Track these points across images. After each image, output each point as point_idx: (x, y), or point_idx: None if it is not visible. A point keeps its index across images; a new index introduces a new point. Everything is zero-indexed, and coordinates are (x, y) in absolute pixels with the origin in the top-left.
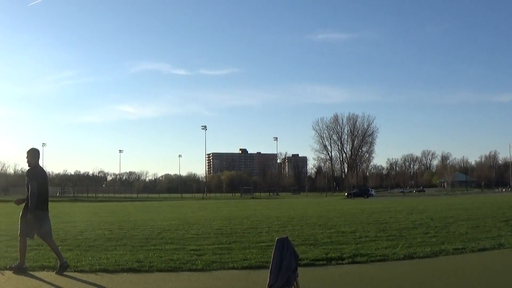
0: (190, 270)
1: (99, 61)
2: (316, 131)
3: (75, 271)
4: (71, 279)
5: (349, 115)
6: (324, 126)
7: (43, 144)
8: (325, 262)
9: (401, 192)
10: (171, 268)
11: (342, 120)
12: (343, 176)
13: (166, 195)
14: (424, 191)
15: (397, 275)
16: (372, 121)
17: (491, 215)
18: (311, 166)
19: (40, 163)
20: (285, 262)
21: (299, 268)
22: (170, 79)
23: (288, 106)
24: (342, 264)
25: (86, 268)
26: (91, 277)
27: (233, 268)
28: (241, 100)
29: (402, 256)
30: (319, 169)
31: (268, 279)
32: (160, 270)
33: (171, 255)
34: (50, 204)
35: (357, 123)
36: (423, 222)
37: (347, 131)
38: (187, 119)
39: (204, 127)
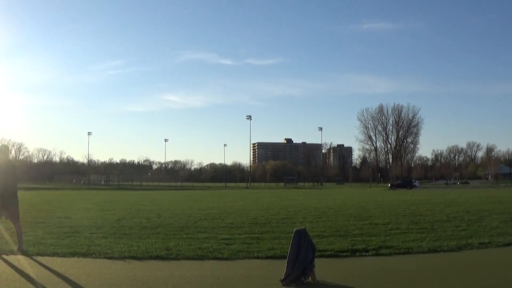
0: (215, 258)
1: (145, 51)
2: (361, 121)
3: (104, 257)
4: (97, 265)
5: (394, 105)
6: (369, 116)
7: (89, 133)
8: (349, 253)
9: (445, 184)
10: (198, 257)
11: (387, 110)
12: (388, 167)
13: (210, 184)
14: (468, 183)
15: (415, 268)
16: (417, 112)
17: None
18: (356, 156)
19: (86, 152)
20: (302, 253)
21: (320, 259)
22: (216, 69)
23: (334, 96)
24: (366, 256)
25: (115, 255)
26: (118, 264)
27: (258, 257)
28: (286, 89)
29: (426, 249)
30: (363, 160)
31: (285, 269)
32: (187, 258)
33: (201, 243)
34: (93, 192)
35: (402, 113)
36: (457, 215)
37: (392, 122)
38: (233, 108)
39: (249, 117)
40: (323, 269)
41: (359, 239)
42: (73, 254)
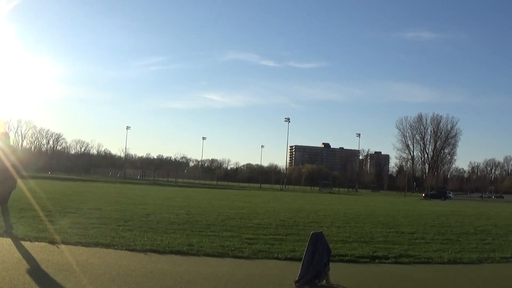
0: (235, 257)
1: (188, 49)
2: (400, 129)
3: (126, 249)
4: (118, 256)
5: (433, 115)
6: (407, 125)
7: (127, 127)
8: (368, 260)
9: (480, 197)
10: (218, 254)
11: (426, 120)
12: (424, 176)
13: (245, 184)
14: (503, 197)
15: (432, 277)
16: (456, 123)
17: None
18: (392, 164)
19: (123, 146)
20: (317, 256)
21: (338, 263)
22: (258, 70)
23: (373, 103)
24: (385, 263)
25: (137, 248)
26: (138, 256)
27: (277, 258)
28: (326, 94)
29: (446, 260)
30: (400, 168)
31: (300, 270)
32: (207, 255)
33: (224, 241)
34: (128, 186)
35: (441, 124)
36: (485, 229)
37: (430, 132)
38: (272, 110)
39: (288, 119)
40: (339, 273)
41: (382, 247)
42: (96, 245)
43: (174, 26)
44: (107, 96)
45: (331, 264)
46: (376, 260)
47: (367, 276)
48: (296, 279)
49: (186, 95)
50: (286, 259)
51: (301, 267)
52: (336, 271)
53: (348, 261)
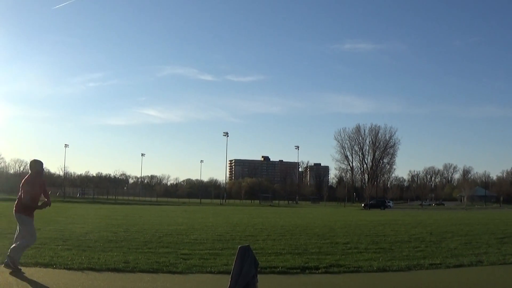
0: (169, 272)
1: (125, 64)
2: (338, 141)
3: (64, 268)
4: (56, 275)
5: (371, 126)
6: (346, 136)
7: (66, 145)
8: (299, 271)
9: (420, 205)
10: (153, 270)
11: (364, 131)
12: (364, 187)
13: (186, 199)
14: (444, 205)
15: (358, 285)
16: (394, 133)
17: (492, 231)
18: (332, 176)
19: (62, 164)
20: (245, 268)
21: (269, 275)
22: (196, 84)
23: (312, 115)
24: (315, 273)
25: (75, 266)
26: (76, 274)
27: (210, 272)
28: (265, 107)
29: (376, 268)
30: (340, 179)
31: (229, 283)
32: (142, 271)
33: (159, 258)
34: (69, 205)
35: (379, 134)
36: (420, 236)
37: (369, 142)
38: (211, 124)
39: (226, 134)
40: (269, 284)
41: (315, 257)
42: (35, 264)
43: (111, 42)
44: (45, 114)
45: (262, 275)
46: (307, 271)
47: (296, 286)
48: None
49: (125, 111)
50: (219, 272)
51: (230, 280)
52: (266, 283)
53: (279, 273)
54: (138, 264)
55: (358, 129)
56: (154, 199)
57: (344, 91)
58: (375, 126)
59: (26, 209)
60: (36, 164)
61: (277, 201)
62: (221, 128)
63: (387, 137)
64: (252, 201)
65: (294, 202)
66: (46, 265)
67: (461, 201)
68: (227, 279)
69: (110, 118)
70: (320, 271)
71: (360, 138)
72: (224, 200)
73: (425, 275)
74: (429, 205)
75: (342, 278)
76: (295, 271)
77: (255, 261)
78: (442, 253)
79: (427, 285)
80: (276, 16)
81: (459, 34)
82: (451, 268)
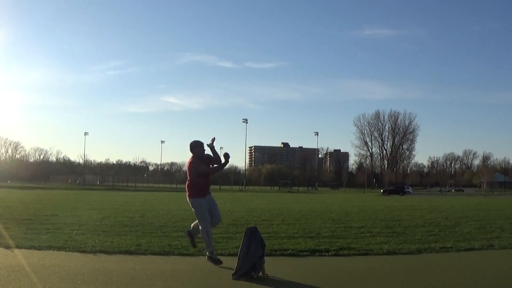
0: (180, 254)
1: (146, 52)
2: (357, 127)
3: (77, 251)
4: (68, 257)
5: (390, 112)
6: (365, 122)
7: (85, 133)
8: (309, 253)
9: (439, 191)
10: (164, 252)
11: (384, 116)
12: (383, 173)
13: None
14: (463, 191)
15: (366, 268)
16: (414, 119)
17: (507, 216)
18: (352, 162)
19: (82, 152)
20: (252, 249)
21: (279, 257)
22: (216, 72)
23: (332, 101)
24: (325, 256)
25: (88, 249)
26: (88, 257)
27: (221, 254)
28: (285, 94)
29: (385, 251)
30: (359, 165)
31: (236, 264)
32: (154, 254)
33: (172, 241)
34: (87, 192)
35: (399, 120)
36: (435, 221)
37: (388, 128)
38: (231, 111)
39: (245, 120)
40: (278, 266)
41: (327, 241)
42: (49, 248)
43: (131, 30)
44: (65, 103)
45: (271, 257)
46: (317, 253)
47: (304, 268)
48: (233, 272)
49: (144, 99)
50: (229, 255)
51: (237, 260)
52: (275, 264)
53: (288, 255)
54: (150, 247)
55: (377, 115)
56: (174, 186)
57: (363, 77)
58: (395, 112)
59: (192, 191)
60: (196, 145)
61: (296, 187)
62: (240, 115)
63: (407, 123)
64: (272, 187)
65: (314, 188)
66: (59, 249)
67: (480, 187)
68: (236, 261)
69: (129, 105)
70: (330, 253)
71: (380, 124)
72: (243, 187)
73: (434, 258)
74: (449, 191)
75: (351, 260)
76: (305, 253)
77: (262, 242)
78: (455, 237)
79: (435, 267)
80: (295, 2)
81: (479, 19)
82: (461, 251)
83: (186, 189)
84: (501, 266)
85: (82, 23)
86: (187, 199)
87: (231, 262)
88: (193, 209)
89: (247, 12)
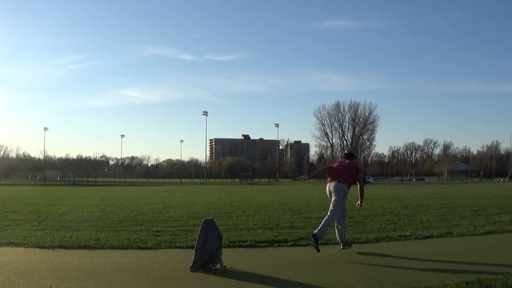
0: (139, 248)
1: (105, 45)
2: (318, 118)
3: (36, 247)
4: (27, 253)
5: (350, 102)
6: (325, 113)
7: (45, 128)
8: (268, 244)
9: (400, 180)
10: (122, 246)
11: (344, 107)
12: None
13: (166, 180)
14: (424, 180)
15: (323, 257)
16: (374, 109)
17: (467, 204)
18: (312, 153)
19: (42, 147)
20: (209, 241)
21: (237, 249)
22: (176, 64)
23: (293, 93)
24: (283, 246)
25: (47, 245)
26: (46, 252)
27: (179, 247)
28: (245, 86)
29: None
30: (320, 156)
31: (193, 256)
32: (112, 248)
33: (131, 235)
34: (47, 188)
35: (359, 110)
36: (394, 210)
37: (348, 119)
38: (192, 104)
39: (205, 113)
40: (236, 257)
41: (285, 231)
42: (8, 244)
43: (90, 23)
44: (24, 97)
45: (229, 249)
46: (275, 244)
47: (262, 259)
48: (191, 264)
49: (104, 92)
50: (187, 247)
51: (194, 252)
52: (233, 256)
53: (247, 246)
54: (109, 241)
55: (337, 105)
56: (134, 180)
57: (324, 69)
58: (355, 102)
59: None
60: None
61: (257, 179)
62: (201, 107)
63: (367, 113)
64: (233, 180)
65: (275, 180)
66: (18, 245)
67: (441, 176)
68: (193, 253)
69: (90, 99)
70: (288, 244)
71: (340, 115)
72: (204, 180)
73: (392, 246)
74: (410, 180)
75: (309, 250)
76: (263, 244)
77: (219, 234)
78: (414, 226)
79: (393, 255)
80: None
81: (439, 10)
82: (420, 239)
83: (347, 181)
84: (459, 253)
85: (41, 17)
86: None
87: (188, 254)
88: (340, 198)
89: (206, 4)
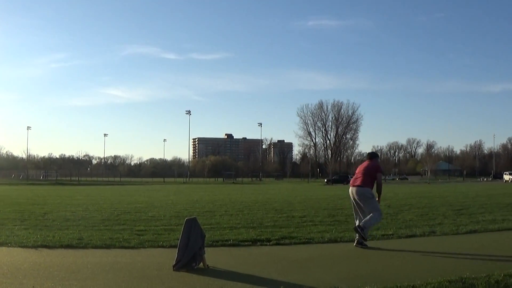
0: (122, 247)
1: (88, 44)
2: (301, 117)
3: (18, 246)
4: (9, 252)
5: (334, 102)
6: (308, 112)
7: (28, 127)
8: (250, 243)
9: (383, 179)
10: (105, 245)
11: (327, 107)
12: (327, 162)
13: (149, 179)
14: (407, 179)
15: (306, 256)
16: (357, 109)
17: (450, 203)
18: (296, 152)
19: (25, 146)
20: (192, 240)
21: (220, 248)
22: (159, 63)
23: (276, 92)
24: (266, 245)
25: (29, 244)
26: (29, 251)
27: (162, 246)
28: (230, 85)
29: (327, 239)
30: (303, 155)
31: (176, 255)
32: (95, 247)
33: (114, 234)
34: (30, 187)
35: (342, 110)
36: None
37: (332, 118)
38: (175, 103)
39: (188, 112)
40: (219, 256)
41: (269, 230)
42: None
43: (74, 22)
44: (7, 97)
45: (212, 248)
46: (258, 243)
47: (245, 258)
48: (174, 263)
49: (88, 91)
50: (170, 246)
51: (177, 252)
52: (216, 255)
53: (230, 245)
54: (91, 240)
55: (320, 105)
56: (117, 179)
57: (308, 68)
58: (338, 102)
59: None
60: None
61: (240, 179)
62: (184, 106)
63: (350, 113)
64: (216, 179)
65: (258, 179)
66: (0, 244)
67: (424, 175)
68: (175, 252)
69: (73, 99)
70: (271, 243)
71: (323, 114)
72: (187, 179)
73: (375, 245)
74: (393, 179)
75: (292, 249)
76: (246, 243)
77: (202, 233)
78: (397, 225)
79: (376, 253)
80: None
81: (424, 10)
82: (403, 238)
83: (368, 182)
84: (441, 252)
85: (24, 16)
86: (368, 190)
87: (171, 253)
88: (369, 199)
89: (190, 3)
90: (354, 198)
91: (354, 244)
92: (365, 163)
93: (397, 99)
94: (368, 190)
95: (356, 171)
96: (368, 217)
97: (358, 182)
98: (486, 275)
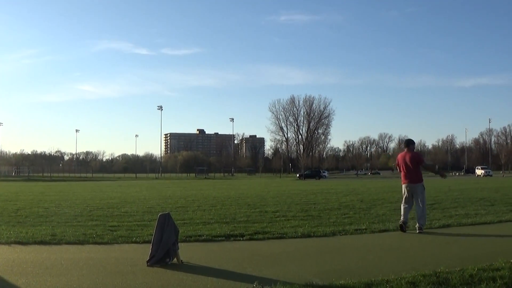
0: (95, 243)
1: (60, 40)
2: (273, 112)
3: None
4: None
5: (305, 97)
6: (280, 107)
7: None
8: (224, 238)
9: (355, 174)
10: (79, 241)
11: (299, 102)
12: (299, 157)
13: (121, 175)
14: (379, 174)
15: (279, 251)
16: (329, 104)
17: None
18: (268, 147)
19: None
20: (165, 236)
21: (194, 243)
22: (131, 59)
23: (249, 87)
24: (240, 240)
25: (2, 241)
26: (2, 248)
27: (136, 242)
28: (201, 80)
29: (300, 234)
30: (275, 150)
31: (150, 250)
32: (69, 243)
33: (87, 230)
34: (2, 184)
35: (314, 105)
36: (350, 204)
37: (303, 113)
38: (147, 98)
39: (160, 107)
40: (192, 252)
41: (242, 226)
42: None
43: (45, 18)
44: None
45: (185, 243)
46: (232, 238)
47: (218, 253)
48: (148, 259)
49: (59, 87)
50: (144, 242)
51: (151, 247)
52: (190, 250)
53: (203, 240)
54: (65, 236)
55: (292, 100)
56: (89, 175)
57: (279, 63)
58: (310, 97)
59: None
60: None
61: (213, 174)
62: (156, 102)
63: (322, 108)
64: (188, 174)
65: (230, 174)
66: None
67: (396, 170)
68: (149, 247)
69: (44, 95)
70: (245, 238)
71: (295, 109)
72: (159, 174)
73: (348, 240)
74: (365, 174)
75: (265, 243)
76: (220, 238)
77: (175, 228)
78: (369, 219)
79: (349, 248)
80: None
81: (395, 4)
82: (376, 233)
83: (418, 176)
84: (415, 246)
85: None
86: (420, 183)
87: (145, 249)
88: (421, 193)
89: None
90: (410, 192)
91: (417, 231)
92: (404, 154)
93: (369, 94)
94: (419, 186)
95: (399, 161)
96: (420, 212)
97: (408, 179)
98: (460, 269)
